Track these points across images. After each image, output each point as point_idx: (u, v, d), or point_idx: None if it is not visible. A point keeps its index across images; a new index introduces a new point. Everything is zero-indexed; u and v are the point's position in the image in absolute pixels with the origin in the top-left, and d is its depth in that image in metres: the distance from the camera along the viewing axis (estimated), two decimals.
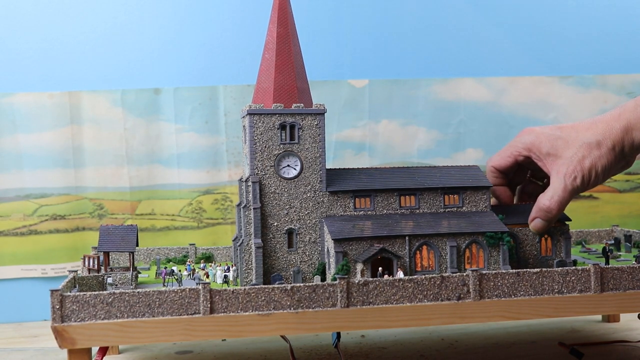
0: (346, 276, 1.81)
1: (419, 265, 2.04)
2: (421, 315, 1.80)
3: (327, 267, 2.08)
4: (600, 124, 1.98)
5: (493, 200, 2.28)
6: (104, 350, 2.05)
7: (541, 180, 2.32)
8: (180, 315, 1.71)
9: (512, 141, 2.21)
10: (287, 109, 2.11)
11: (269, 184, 2.10)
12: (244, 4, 2.97)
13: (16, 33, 2.85)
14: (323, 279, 2.05)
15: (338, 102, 3.01)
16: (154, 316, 1.69)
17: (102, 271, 2.08)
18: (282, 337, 2.25)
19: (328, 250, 2.06)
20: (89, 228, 2.91)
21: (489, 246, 2.06)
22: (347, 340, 2.45)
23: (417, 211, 2.13)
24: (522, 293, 1.84)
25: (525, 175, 2.33)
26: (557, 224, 2.14)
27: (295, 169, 2.12)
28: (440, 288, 1.81)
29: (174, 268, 2.18)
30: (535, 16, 3.17)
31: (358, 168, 2.23)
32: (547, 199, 2.02)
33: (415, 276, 1.81)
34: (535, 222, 2.08)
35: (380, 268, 1.96)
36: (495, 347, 2.36)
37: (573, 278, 1.86)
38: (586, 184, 1.98)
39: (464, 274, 1.82)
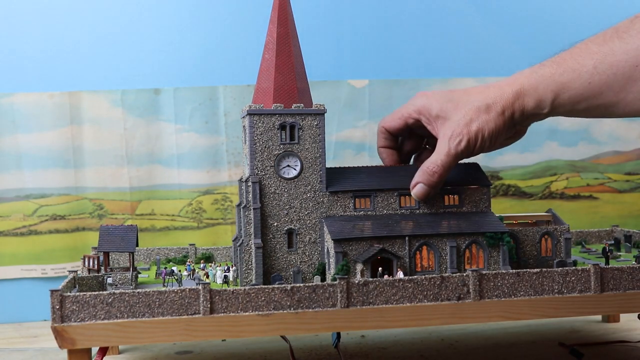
0: (346, 276, 1.81)
1: (419, 265, 2.04)
2: (421, 315, 1.80)
3: (327, 267, 2.08)
4: (493, 88, 1.89)
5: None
6: (104, 351, 2.05)
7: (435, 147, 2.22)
8: (180, 315, 1.71)
9: (405, 104, 2.11)
10: (287, 109, 2.11)
11: (269, 184, 2.10)
12: (244, 4, 2.97)
13: (16, 33, 2.85)
14: (323, 279, 2.05)
15: (338, 102, 3.01)
16: (154, 316, 1.69)
17: (102, 271, 2.08)
18: (282, 337, 2.25)
19: (328, 251, 2.06)
20: (89, 228, 2.91)
21: (489, 246, 2.06)
22: (347, 340, 2.45)
23: (417, 211, 2.13)
24: (522, 293, 1.84)
25: (420, 143, 2.22)
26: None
27: (295, 169, 2.12)
28: (440, 288, 1.81)
29: (174, 268, 2.18)
30: (535, 16, 3.17)
31: (358, 167, 2.23)
32: (430, 163, 1.94)
33: (415, 276, 1.81)
34: (417, 188, 1.98)
35: (380, 268, 1.96)
36: (495, 347, 2.36)
37: (573, 278, 1.86)
38: (472, 149, 1.88)
39: (464, 274, 1.82)
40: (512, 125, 1.91)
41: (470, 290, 1.81)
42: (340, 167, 2.21)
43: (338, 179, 2.15)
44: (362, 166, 2.23)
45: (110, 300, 1.68)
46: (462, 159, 1.96)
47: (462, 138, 1.87)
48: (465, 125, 1.87)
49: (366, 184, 2.14)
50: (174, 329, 1.70)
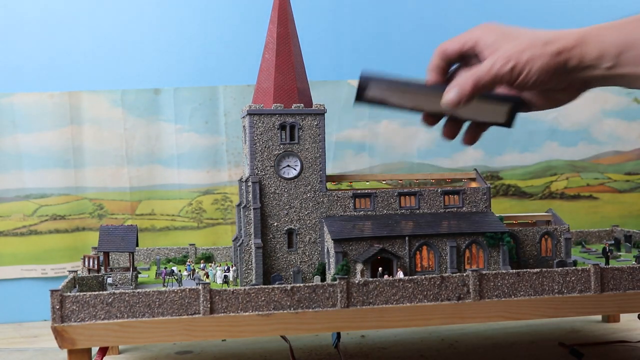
0: (346, 276, 1.81)
1: (419, 265, 2.04)
2: (421, 315, 1.80)
3: (327, 267, 2.08)
4: (556, 31, 1.90)
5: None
6: (104, 351, 2.05)
7: None
8: (180, 315, 1.71)
9: (465, 31, 2.09)
10: (287, 109, 2.11)
11: (269, 184, 2.10)
12: (244, 4, 2.97)
13: (16, 33, 2.85)
14: (323, 279, 2.05)
15: (338, 102, 3.01)
16: (154, 316, 1.69)
17: (102, 271, 2.08)
18: (282, 337, 2.25)
19: (328, 251, 2.06)
20: (89, 228, 2.91)
21: (489, 246, 2.06)
22: (347, 340, 2.45)
23: (417, 211, 2.13)
24: (522, 293, 1.84)
25: None
26: None
27: (295, 169, 2.12)
28: (440, 288, 1.81)
29: (174, 268, 2.18)
30: (534, 16, 3.16)
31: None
32: (470, 74, 1.92)
33: (415, 276, 1.81)
34: (450, 93, 1.96)
35: (380, 268, 1.96)
36: (495, 347, 2.36)
37: (573, 278, 1.86)
38: (515, 77, 1.83)
39: (464, 274, 1.82)
40: (564, 73, 1.87)
41: (470, 290, 1.81)
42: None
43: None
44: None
45: (110, 300, 1.68)
46: (500, 84, 1.90)
47: (510, 61, 1.83)
48: (517, 52, 1.85)
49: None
50: (174, 329, 1.70)
